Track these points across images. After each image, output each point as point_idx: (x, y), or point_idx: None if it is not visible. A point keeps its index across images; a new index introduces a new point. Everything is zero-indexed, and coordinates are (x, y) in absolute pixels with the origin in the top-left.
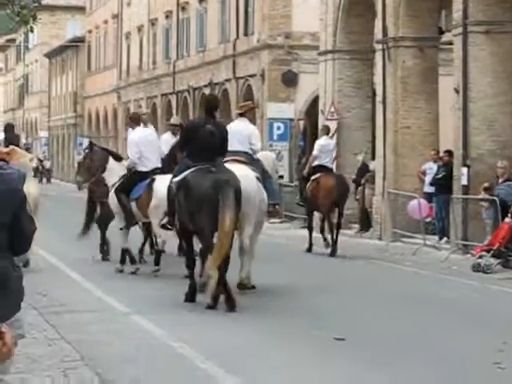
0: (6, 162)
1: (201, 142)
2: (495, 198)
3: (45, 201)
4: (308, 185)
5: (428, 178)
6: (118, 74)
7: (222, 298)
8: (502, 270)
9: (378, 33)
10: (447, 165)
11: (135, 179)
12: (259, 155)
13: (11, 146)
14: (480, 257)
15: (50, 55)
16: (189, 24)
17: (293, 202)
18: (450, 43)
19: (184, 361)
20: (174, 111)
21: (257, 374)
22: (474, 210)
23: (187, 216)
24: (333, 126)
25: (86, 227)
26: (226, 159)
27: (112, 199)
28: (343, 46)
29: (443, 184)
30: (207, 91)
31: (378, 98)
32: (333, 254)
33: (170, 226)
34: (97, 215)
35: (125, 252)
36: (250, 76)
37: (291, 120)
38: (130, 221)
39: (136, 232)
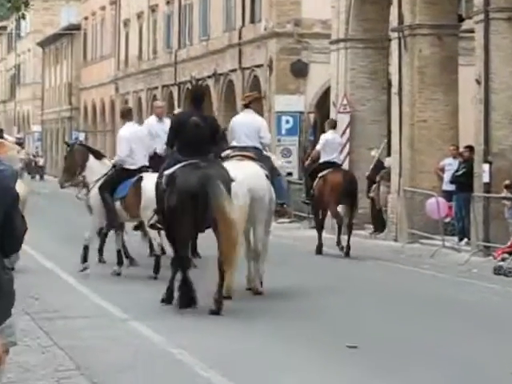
0: None
1: (188, 135)
2: None
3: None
4: (315, 182)
5: (447, 175)
6: (115, 64)
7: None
8: None
9: (393, 20)
10: (467, 161)
11: (121, 177)
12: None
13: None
14: (502, 259)
15: (43, 44)
16: (191, 10)
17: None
18: (471, 31)
19: (184, 368)
20: (176, 103)
21: (261, 383)
22: (496, 210)
23: (171, 213)
24: (345, 119)
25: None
26: (233, 154)
27: (94, 198)
28: (356, 35)
29: (463, 181)
30: (211, 82)
31: (394, 90)
32: (345, 255)
33: (159, 225)
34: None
35: (120, 253)
36: (257, 66)
37: (301, 113)
38: (112, 221)
39: (135, 235)
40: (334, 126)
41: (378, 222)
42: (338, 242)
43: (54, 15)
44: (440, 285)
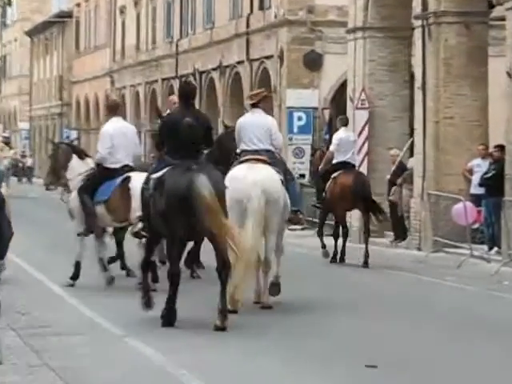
0: None
1: (180, 137)
2: None
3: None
4: (328, 184)
5: (475, 178)
6: (111, 55)
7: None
8: None
9: (416, 7)
10: (498, 162)
11: (102, 178)
12: None
13: None
14: None
15: (31, 33)
16: None
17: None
18: (502, 19)
19: None
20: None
21: None
22: None
23: (160, 219)
24: (364, 116)
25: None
26: (245, 158)
27: (74, 201)
28: (375, 23)
29: (493, 184)
30: (216, 75)
31: (417, 84)
32: (363, 264)
33: (144, 233)
34: None
35: (102, 261)
36: (267, 58)
37: (314, 109)
38: (91, 225)
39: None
40: (346, 123)
41: (400, 229)
42: (335, 254)
43: (43, 2)
44: (467, 299)
